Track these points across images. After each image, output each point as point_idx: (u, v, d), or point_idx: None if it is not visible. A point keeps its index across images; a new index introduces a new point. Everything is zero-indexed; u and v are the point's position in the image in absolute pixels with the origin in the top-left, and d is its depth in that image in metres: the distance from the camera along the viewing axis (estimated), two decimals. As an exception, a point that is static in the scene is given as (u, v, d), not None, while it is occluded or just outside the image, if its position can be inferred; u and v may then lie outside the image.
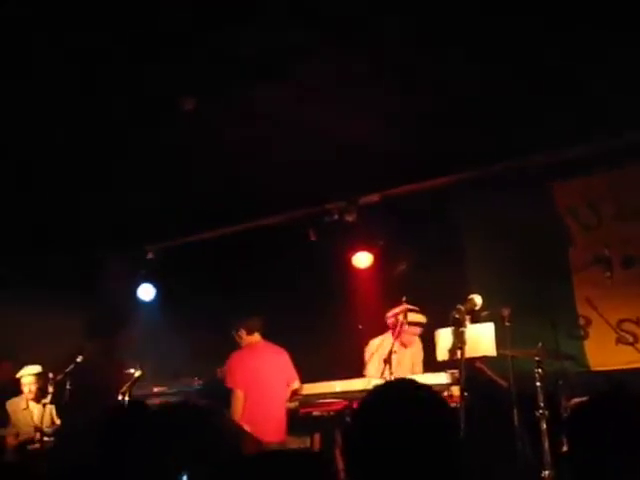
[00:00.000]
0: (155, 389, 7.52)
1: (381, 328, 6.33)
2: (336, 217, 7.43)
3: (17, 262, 7.67)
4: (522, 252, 6.61)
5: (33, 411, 7.07)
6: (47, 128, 5.95)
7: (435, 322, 5.67)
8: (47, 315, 7.52)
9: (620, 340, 6.29)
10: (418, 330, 6.16)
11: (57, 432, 6.82)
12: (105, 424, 3.19)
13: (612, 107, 5.51)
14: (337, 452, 4.90)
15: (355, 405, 3.67)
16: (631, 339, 6.24)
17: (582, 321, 6.54)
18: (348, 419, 5.14)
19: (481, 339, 4.97)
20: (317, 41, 4.86)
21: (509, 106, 5.67)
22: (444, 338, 5.02)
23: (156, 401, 6.61)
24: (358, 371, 6.12)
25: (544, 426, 4.94)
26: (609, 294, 6.22)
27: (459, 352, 4.71)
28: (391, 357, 5.37)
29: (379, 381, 4.99)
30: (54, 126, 5.92)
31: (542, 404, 5.00)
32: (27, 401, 7.16)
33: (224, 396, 6.26)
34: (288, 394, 6.36)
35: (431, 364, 5.66)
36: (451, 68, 5.25)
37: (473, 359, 5.13)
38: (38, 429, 6.64)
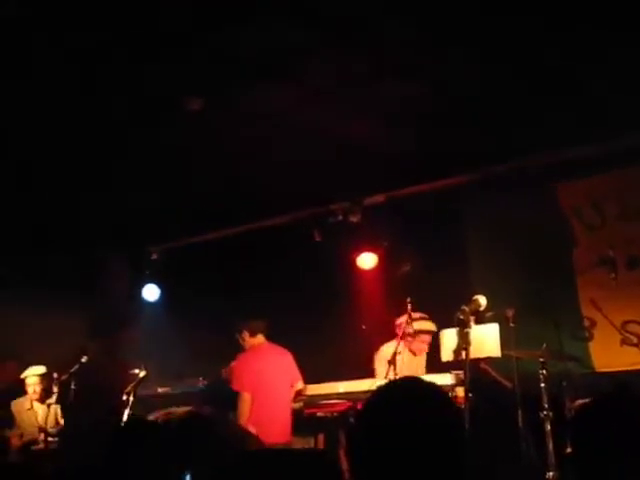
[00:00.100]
0: (159, 390, 7.52)
1: (385, 328, 6.31)
2: (340, 218, 7.43)
3: (17, 262, 7.68)
4: (526, 253, 6.62)
5: (37, 412, 7.09)
6: (47, 128, 5.94)
7: (440, 323, 5.68)
8: (47, 315, 7.52)
9: (625, 341, 6.28)
10: (428, 338, 6.13)
11: (61, 432, 6.83)
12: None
13: (612, 107, 5.50)
14: (341, 453, 4.89)
15: (359, 406, 3.66)
16: (636, 340, 6.23)
17: (587, 322, 6.52)
18: (352, 420, 5.14)
19: (486, 340, 4.96)
20: (317, 41, 4.84)
21: (510, 106, 5.66)
22: (449, 339, 5.02)
23: (160, 401, 6.63)
24: (362, 372, 6.08)
25: (548, 427, 4.93)
26: (614, 295, 6.25)
27: (464, 353, 4.70)
28: (395, 358, 5.35)
29: (383, 382, 4.97)
30: (54, 126, 5.91)
31: (546, 405, 4.99)
32: (31, 402, 7.19)
33: (228, 397, 6.26)
34: (292, 395, 6.35)
35: (435, 365, 5.65)
36: (451, 68, 5.23)
37: (478, 360, 5.15)
38: (42, 430, 6.64)
